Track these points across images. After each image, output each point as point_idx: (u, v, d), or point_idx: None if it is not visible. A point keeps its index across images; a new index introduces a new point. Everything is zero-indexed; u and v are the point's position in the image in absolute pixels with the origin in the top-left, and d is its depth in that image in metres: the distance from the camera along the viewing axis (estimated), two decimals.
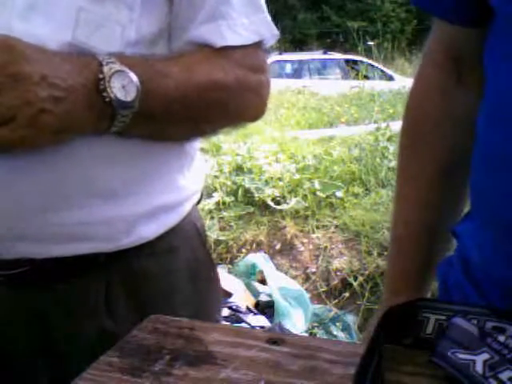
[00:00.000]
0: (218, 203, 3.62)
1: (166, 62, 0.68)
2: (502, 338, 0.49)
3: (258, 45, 0.74)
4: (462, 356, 0.48)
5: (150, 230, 0.74)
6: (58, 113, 0.57)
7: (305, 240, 3.39)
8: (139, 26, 0.67)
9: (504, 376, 0.45)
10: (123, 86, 0.61)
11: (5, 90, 0.55)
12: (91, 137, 0.65)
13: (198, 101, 0.69)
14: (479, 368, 0.46)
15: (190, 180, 0.80)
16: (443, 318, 0.53)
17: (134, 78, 0.62)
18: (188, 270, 0.80)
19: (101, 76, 0.60)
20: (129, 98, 0.62)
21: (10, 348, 0.73)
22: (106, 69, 0.60)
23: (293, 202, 3.55)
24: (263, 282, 2.93)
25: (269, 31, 0.76)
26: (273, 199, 3.61)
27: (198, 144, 0.84)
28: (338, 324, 2.79)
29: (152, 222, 0.74)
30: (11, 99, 0.55)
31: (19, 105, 0.55)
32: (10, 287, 0.71)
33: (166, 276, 0.77)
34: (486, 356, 0.47)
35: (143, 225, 0.73)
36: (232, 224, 3.53)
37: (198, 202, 0.86)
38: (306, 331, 2.68)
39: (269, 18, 0.77)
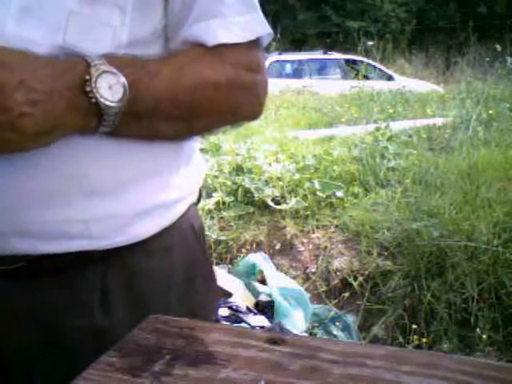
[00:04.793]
0: (217, 203, 3.62)
1: (157, 63, 0.69)
2: None
3: (253, 43, 0.74)
4: None
5: (145, 229, 0.75)
6: (37, 115, 0.59)
7: (305, 240, 3.39)
8: (132, 28, 0.68)
9: None
10: (110, 87, 0.62)
11: None
12: (84, 136, 0.66)
13: (188, 101, 0.70)
14: None
15: (187, 180, 0.80)
16: None
17: (122, 78, 0.63)
18: (184, 268, 0.81)
19: (87, 77, 0.62)
20: (116, 98, 0.63)
21: (9, 342, 0.74)
22: (93, 70, 0.62)
23: (293, 202, 3.55)
24: (263, 282, 2.93)
25: (264, 30, 0.76)
26: (273, 199, 3.60)
27: (197, 144, 0.85)
28: (337, 324, 2.79)
29: (147, 220, 0.75)
30: None
31: None
32: (8, 282, 0.72)
33: (162, 274, 0.78)
34: None
35: (138, 223, 0.74)
36: (232, 224, 3.53)
37: (198, 202, 0.87)
38: (306, 331, 2.68)
39: (262, 16, 0.77)
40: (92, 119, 0.64)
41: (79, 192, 0.69)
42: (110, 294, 0.73)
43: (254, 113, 0.78)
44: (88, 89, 0.62)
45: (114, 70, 0.63)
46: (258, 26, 0.75)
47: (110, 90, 0.62)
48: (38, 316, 0.73)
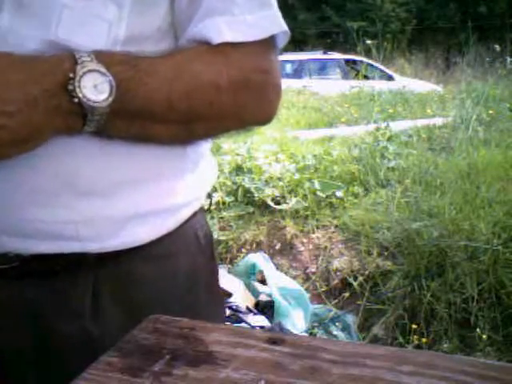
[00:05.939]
0: (217, 203, 3.62)
1: (153, 61, 0.65)
2: None
3: (265, 43, 0.70)
4: None
5: (142, 234, 0.72)
6: (13, 126, 0.57)
7: (305, 240, 3.39)
8: (130, 24, 0.65)
9: None
10: (95, 86, 0.59)
11: None
12: (75, 136, 0.64)
13: (184, 103, 0.65)
14: None
15: (191, 185, 0.77)
16: None
17: (109, 77, 0.60)
18: (186, 277, 0.78)
19: (71, 75, 0.58)
20: (100, 98, 0.59)
21: (3, 342, 0.72)
22: (78, 68, 0.59)
23: (293, 202, 3.55)
24: (263, 282, 2.93)
25: (277, 28, 0.71)
26: (273, 199, 3.60)
27: (205, 149, 0.81)
28: (337, 324, 2.79)
29: (145, 225, 0.72)
30: None
31: None
32: (1, 281, 0.71)
33: (161, 282, 0.75)
34: None
35: (134, 227, 0.71)
36: (232, 224, 3.53)
37: (208, 209, 0.84)
38: (306, 331, 2.68)
39: (278, 14, 0.72)
40: (75, 119, 0.60)
41: (69, 192, 0.67)
42: (102, 299, 0.71)
43: (264, 116, 0.72)
44: (71, 88, 0.58)
45: (102, 69, 0.59)
46: (271, 25, 0.70)
47: (94, 89, 0.59)
48: (31, 318, 0.71)
